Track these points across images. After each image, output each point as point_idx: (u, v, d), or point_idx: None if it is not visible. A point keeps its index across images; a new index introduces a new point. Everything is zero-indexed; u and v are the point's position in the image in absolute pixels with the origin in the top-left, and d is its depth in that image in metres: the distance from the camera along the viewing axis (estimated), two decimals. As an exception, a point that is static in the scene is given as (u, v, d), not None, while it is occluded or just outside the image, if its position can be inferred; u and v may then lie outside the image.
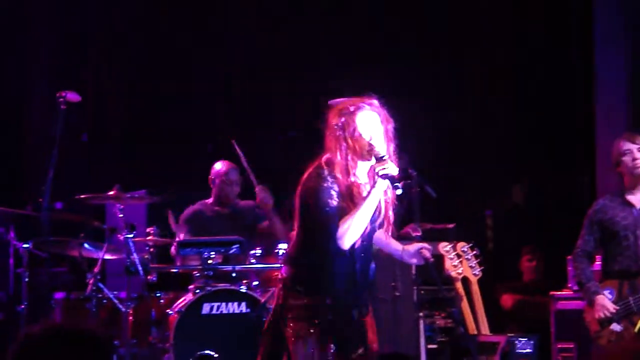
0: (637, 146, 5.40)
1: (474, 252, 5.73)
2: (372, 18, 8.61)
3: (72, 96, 6.10)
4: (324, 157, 4.43)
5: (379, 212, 4.43)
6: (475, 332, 5.95)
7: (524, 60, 8.24)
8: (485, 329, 5.95)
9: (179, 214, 6.92)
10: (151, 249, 6.23)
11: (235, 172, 6.81)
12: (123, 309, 5.88)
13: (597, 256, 5.78)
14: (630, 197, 5.48)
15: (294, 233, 4.62)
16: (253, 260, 5.98)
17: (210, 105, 8.73)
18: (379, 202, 4.35)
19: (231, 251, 6.03)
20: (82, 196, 6.30)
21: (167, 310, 5.90)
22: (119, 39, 8.80)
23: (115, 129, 8.34)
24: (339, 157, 4.35)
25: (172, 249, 6.46)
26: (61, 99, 6.09)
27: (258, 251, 6.02)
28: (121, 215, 6.08)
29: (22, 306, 5.95)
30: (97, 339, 2.16)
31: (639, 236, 5.39)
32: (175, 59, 8.74)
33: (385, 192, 4.36)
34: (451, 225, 6.74)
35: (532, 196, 7.43)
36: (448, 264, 5.65)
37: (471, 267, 5.84)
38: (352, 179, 4.35)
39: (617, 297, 5.33)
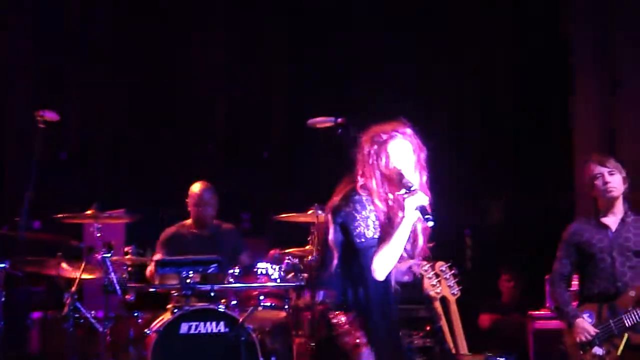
0: (608, 169, 5.44)
1: (453, 271, 5.71)
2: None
3: (51, 115, 6.09)
4: (359, 183, 4.37)
5: (413, 242, 4.42)
6: (454, 351, 5.91)
7: (500, 83, 8.15)
8: (463, 348, 5.91)
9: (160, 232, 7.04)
10: (129, 268, 6.21)
11: (209, 192, 6.83)
12: (101, 329, 5.86)
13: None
14: (605, 220, 5.50)
15: (319, 252, 4.64)
16: (231, 280, 5.97)
17: (194, 123, 8.51)
18: (411, 232, 4.32)
19: (209, 270, 6.03)
20: (60, 215, 6.30)
21: (145, 330, 5.86)
22: (98, 56, 8.57)
23: (95, 147, 8.22)
24: (374, 185, 4.33)
25: (148, 272, 6.45)
26: (39, 118, 6.08)
27: (237, 270, 5.99)
28: (99, 235, 6.05)
29: None
30: None
31: (616, 258, 5.38)
32: (159, 79, 8.54)
33: (417, 222, 4.38)
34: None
35: (511, 215, 7.45)
36: (427, 283, 5.67)
37: (450, 286, 5.83)
38: (387, 206, 4.35)
39: (597, 320, 5.34)
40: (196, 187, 6.84)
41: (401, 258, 4.44)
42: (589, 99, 7.71)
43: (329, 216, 4.38)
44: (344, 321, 4.21)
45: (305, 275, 6.08)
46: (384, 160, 4.22)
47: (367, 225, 4.20)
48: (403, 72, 8.47)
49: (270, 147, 8.14)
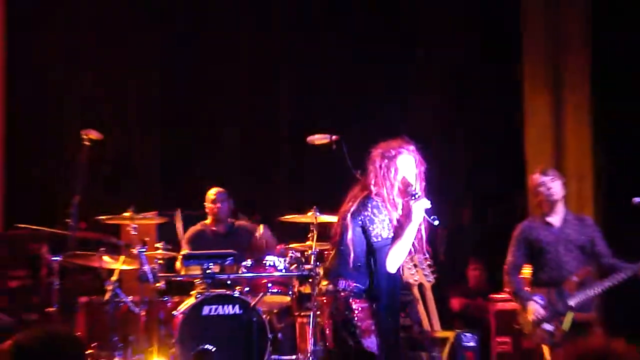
0: (549, 177, 5.70)
1: (428, 262, 5.96)
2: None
3: (95, 134, 6.32)
4: (374, 191, 4.58)
5: (419, 240, 4.61)
6: (429, 329, 6.16)
7: (466, 96, 8.15)
8: (437, 326, 6.27)
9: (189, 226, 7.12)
10: (160, 261, 6.37)
11: (222, 194, 6.97)
12: (136, 311, 6.04)
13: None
14: (550, 219, 5.74)
15: (335, 248, 4.78)
16: (244, 270, 6.17)
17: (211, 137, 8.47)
18: (417, 232, 4.56)
19: (226, 262, 6.21)
20: (102, 217, 6.45)
21: (173, 312, 6.04)
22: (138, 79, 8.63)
23: (134, 160, 8.28)
24: (386, 193, 4.53)
25: (177, 264, 6.60)
26: (85, 136, 6.31)
27: (248, 262, 6.20)
28: (135, 233, 6.23)
29: (53, 308, 6.09)
30: (70, 339, 2.35)
31: (560, 250, 5.64)
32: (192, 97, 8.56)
33: (421, 222, 4.59)
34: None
35: (476, 216, 7.54)
36: (406, 272, 5.84)
37: (425, 275, 6.12)
38: (398, 212, 4.59)
39: (546, 301, 5.56)
40: (212, 191, 6.97)
41: (409, 253, 4.78)
42: (539, 120, 7.72)
43: (349, 218, 4.59)
44: (361, 308, 4.51)
45: (309, 266, 6.07)
46: (393, 172, 4.48)
47: (383, 227, 4.48)
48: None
49: (277, 159, 8.06)
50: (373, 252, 4.54)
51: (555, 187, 5.68)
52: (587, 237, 5.71)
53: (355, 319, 4.48)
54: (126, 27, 8.70)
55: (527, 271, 5.90)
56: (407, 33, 8.60)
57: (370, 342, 4.47)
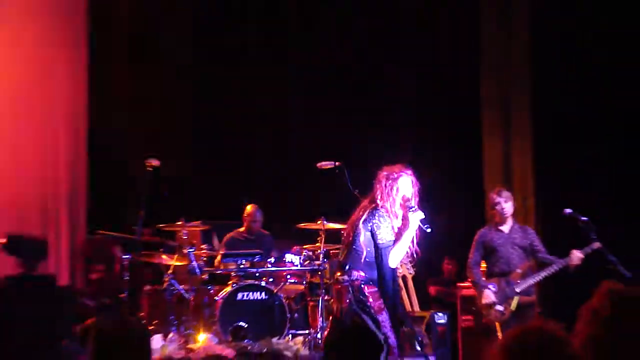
0: (503, 199, 5.91)
1: (409, 258, 5.73)
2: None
3: (155, 162, 6.41)
4: (380, 204, 4.84)
5: (414, 244, 4.85)
6: (410, 310, 6.43)
7: (440, 134, 8.06)
8: (417, 308, 6.50)
9: (223, 235, 7.13)
10: (204, 258, 6.64)
11: (259, 212, 7.07)
12: (187, 297, 6.22)
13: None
14: (501, 227, 5.91)
15: (347, 247, 4.93)
16: (269, 265, 6.40)
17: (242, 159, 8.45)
18: (413, 237, 4.79)
19: (255, 259, 6.46)
20: (161, 225, 6.72)
21: (215, 297, 6.22)
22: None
23: (184, 181, 8.26)
24: (389, 206, 4.79)
25: (216, 261, 6.68)
26: (147, 164, 6.38)
27: (272, 259, 6.44)
28: (185, 237, 6.47)
29: (123, 294, 6.20)
30: (138, 330, 2.36)
31: (508, 250, 5.84)
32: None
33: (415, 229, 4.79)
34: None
35: (449, 224, 7.12)
36: None
37: (407, 268, 6.33)
38: (399, 220, 4.80)
39: (498, 288, 5.74)
40: (251, 208, 7.03)
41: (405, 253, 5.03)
42: (494, 152, 7.82)
43: (360, 225, 4.81)
44: (372, 292, 4.73)
45: (318, 262, 6.27)
46: (395, 190, 4.77)
47: (387, 232, 4.72)
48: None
49: (294, 179, 7.93)
50: (379, 251, 4.72)
51: (507, 206, 5.87)
52: (528, 240, 5.86)
53: (370, 300, 4.68)
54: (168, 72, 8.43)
55: (484, 266, 6.00)
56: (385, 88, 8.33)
57: (383, 318, 4.68)
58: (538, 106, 7.69)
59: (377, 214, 4.76)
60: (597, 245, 5.60)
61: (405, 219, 4.81)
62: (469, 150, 8.01)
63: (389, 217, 4.75)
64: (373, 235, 4.75)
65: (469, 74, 8.11)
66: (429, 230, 4.73)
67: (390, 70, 8.39)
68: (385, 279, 4.81)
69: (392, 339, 4.78)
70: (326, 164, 5.91)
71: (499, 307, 5.69)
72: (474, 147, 7.97)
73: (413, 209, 4.73)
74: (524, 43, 7.74)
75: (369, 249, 4.77)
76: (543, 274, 5.76)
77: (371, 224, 4.75)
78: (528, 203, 7.39)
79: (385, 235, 4.71)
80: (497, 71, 7.93)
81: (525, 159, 7.73)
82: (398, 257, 4.83)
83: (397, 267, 5.03)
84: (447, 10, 8.21)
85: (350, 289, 4.85)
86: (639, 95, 6.94)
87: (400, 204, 4.81)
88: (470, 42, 7.98)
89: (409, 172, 4.89)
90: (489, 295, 5.72)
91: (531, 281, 5.75)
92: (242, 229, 7.03)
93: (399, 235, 4.81)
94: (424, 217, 4.72)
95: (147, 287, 6.48)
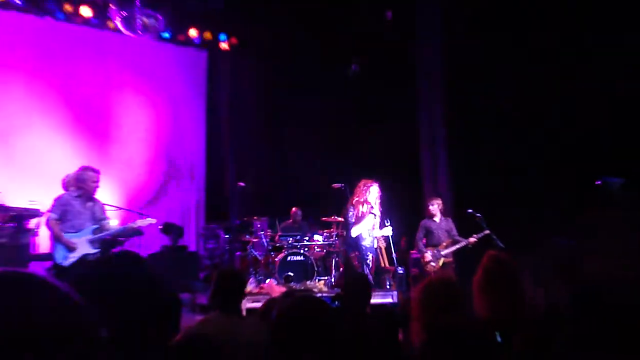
0: (434, 204, 6.05)
1: (383, 237, 6.01)
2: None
3: (241, 184, 6.72)
4: (355, 200, 5.06)
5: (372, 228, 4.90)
6: (383, 265, 6.41)
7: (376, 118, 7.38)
8: (387, 264, 6.44)
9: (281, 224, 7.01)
10: (268, 237, 6.72)
11: (299, 211, 7.09)
12: (259, 258, 6.51)
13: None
14: (434, 219, 6.03)
15: (345, 227, 5.06)
16: (305, 241, 6.62)
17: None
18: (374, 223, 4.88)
19: (297, 237, 6.69)
20: (246, 218, 6.95)
21: (275, 259, 6.33)
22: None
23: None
24: (362, 201, 5.10)
25: (276, 238, 6.68)
26: (237, 185, 6.65)
27: (307, 238, 6.66)
28: (259, 225, 6.91)
29: (225, 258, 6.62)
30: (240, 273, 1.93)
31: (439, 233, 6.03)
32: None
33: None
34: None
35: (405, 219, 6.62)
36: (372, 241, 5.74)
37: (381, 243, 6.36)
38: (364, 210, 4.99)
39: (432, 253, 5.96)
40: (294, 209, 7.18)
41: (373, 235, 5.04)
42: (428, 170, 7.41)
43: (347, 214, 5.15)
44: (354, 255, 5.11)
45: (332, 240, 6.45)
46: (367, 194, 5.19)
47: (355, 217, 5.02)
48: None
49: (318, 195, 7.07)
50: (347, 226, 5.13)
51: (434, 208, 6.09)
52: (449, 227, 6.07)
53: (356, 262, 5.18)
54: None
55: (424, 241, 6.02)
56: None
57: (367, 271, 5.01)
58: (454, 128, 7.05)
59: (351, 207, 5.13)
60: (486, 231, 5.80)
61: (367, 212, 5.07)
62: (411, 165, 7.50)
63: (358, 208, 5.02)
64: (346, 221, 5.15)
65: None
66: (387, 226, 4.96)
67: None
68: (359, 246, 5.16)
69: (370, 277, 4.95)
70: (337, 185, 6.08)
71: (433, 264, 5.92)
72: (412, 160, 7.48)
73: (373, 212, 4.98)
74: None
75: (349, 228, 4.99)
76: (456, 246, 5.94)
77: (349, 212, 5.14)
78: (446, 202, 6.72)
79: (352, 219, 5.09)
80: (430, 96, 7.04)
81: (446, 170, 7.37)
82: (355, 232, 5.04)
83: (362, 240, 5.10)
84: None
85: (347, 252, 5.36)
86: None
87: (367, 205, 5.05)
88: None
89: (377, 184, 5.22)
90: (427, 256, 5.91)
91: (450, 250, 5.94)
92: (290, 221, 7.13)
93: (359, 220, 5.05)
94: (376, 219, 4.92)
95: (238, 253, 6.81)
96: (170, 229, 6.58)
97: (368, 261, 5.26)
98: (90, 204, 4.63)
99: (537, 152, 6.03)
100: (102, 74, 6.80)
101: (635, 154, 5.13)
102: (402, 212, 6.55)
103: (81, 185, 4.57)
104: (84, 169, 4.60)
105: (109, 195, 6.10)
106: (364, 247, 5.24)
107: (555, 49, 5.81)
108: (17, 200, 5.51)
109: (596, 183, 4.89)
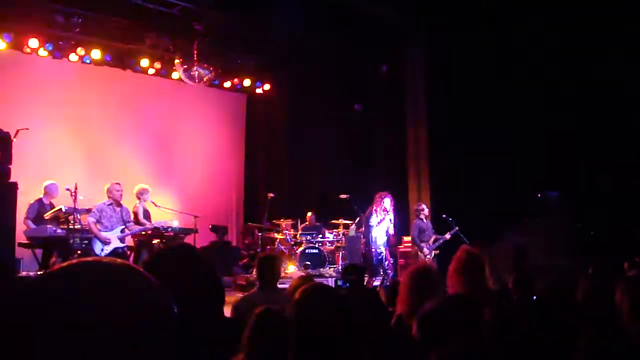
0: (421, 208, 6.34)
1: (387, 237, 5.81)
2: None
3: (270, 194, 7.02)
4: (374, 209, 5.28)
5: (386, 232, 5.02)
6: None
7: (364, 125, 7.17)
8: (388, 258, 6.14)
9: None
10: (291, 235, 7.20)
11: (314, 215, 7.35)
12: (285, 251, 6.97)
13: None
14: (424, 220, 6.13)
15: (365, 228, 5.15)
16: (319, 237, 7.11)
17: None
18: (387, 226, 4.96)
19: (313, 235, 7.27)
20: (274, 220, 7.37)
21: (297, 251, 6.94)
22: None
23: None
24: (379, 209, 5.45)
25: (297, 235, 7.06)
26: (268, 195, 6.96)
27: (320, 235, 7.18)
28: (284, 226, 7.20)
29: (258, 251, 6.64)
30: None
31: (427, 231, 6.28)
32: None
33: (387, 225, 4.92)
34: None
35: (402, 220, 6.52)
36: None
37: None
38: (380, 217, 5.20)
39: (427, 246, 6.17)
40: (310, 214, 7.35)
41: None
42: (413, 194, 7.28)
43: (369, 217, 5.41)
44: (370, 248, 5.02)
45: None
46: (382, 203, 5.56)
47: (375, 221, 5.34)
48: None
49: (334, 205, 6.90)
50: (369, 229, 5.51)
51: (423, 211, 6.15)
52: (431, 226, 6.16)
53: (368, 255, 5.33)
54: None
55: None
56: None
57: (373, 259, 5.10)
58: (432, 139, 7.08)
59: (372, 214, 5.61)
60: (456, 229, 6.14)
61: (381, 220, 5.48)
62: (400, 169, 7.41)
63: (376, 215, 5.46)
64: (368, 221, 5.50)
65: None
66: (391, 232, 5.26)
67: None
68: (376, 243, 5.62)
69: (385, 264, 5.28)
70: (344, 196, 6.53)
71: (428, 256, 6.29)
72: (400, 165, 7.45)
73: (382, 222, 5.34)
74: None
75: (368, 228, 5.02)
76: (440, 241, 6.29)
77: (371, 216, 5.60)
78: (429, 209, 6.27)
79: (373, 222, 5.57)
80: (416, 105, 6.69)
81: (426, 170, 7.23)
82: (375, 235, 5.58)
83: (378, 237, 5.48)
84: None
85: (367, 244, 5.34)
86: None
87: (383, 210, 5.45)
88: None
89: (389, 196, 5.66)
90: (425, 251, 6.25)
91: (435, 245, 6.26)
92: (307, 223, 7.54)
93: (378, 224, 5.51)
94: (384, 229, 5.22)
95: (268, 247, 7.17)
96: (217, 229, 7.15)
97: (380, 256, 5.77)
98: (119, 209, 5.27)
99: (492, 170, 6.26)
100: (167, 112, 7.54)
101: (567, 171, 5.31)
102: (401, 216, 6.73)
103: (110, 196, 5.27)
104: (112, 184, 5.29)
105: (170, 202, 6.78)
106: (377, 244, 5.79)
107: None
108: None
109: (538, 195, 5.38)
